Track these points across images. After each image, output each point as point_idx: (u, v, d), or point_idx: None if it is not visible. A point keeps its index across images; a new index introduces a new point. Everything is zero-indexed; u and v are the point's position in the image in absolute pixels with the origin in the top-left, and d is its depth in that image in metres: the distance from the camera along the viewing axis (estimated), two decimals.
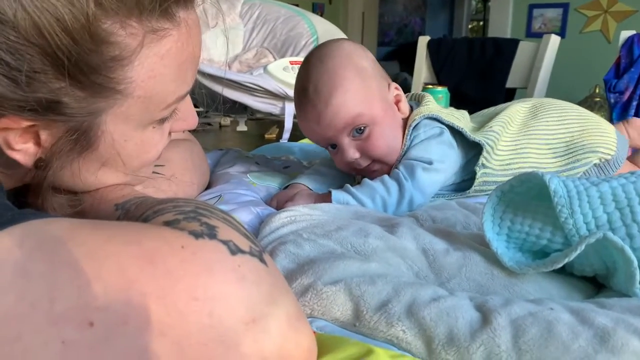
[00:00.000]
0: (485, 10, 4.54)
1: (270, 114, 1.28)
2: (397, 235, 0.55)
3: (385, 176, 0.73)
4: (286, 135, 1.24)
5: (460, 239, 0.55)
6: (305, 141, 1.23)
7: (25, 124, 0.37)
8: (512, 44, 2.01)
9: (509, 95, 2.02)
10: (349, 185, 0.73)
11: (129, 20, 0.37)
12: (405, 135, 0.77)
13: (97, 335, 0.28)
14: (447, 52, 2.17)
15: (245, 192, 0.77)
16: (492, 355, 0.36)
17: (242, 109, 1.40)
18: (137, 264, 0.30)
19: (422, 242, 0.54)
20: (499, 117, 0.81)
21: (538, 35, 1.99)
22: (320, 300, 0.43)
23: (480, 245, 0.53)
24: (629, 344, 0.34)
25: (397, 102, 0.78)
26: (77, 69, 0.36)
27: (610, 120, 1.58)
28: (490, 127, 0.79)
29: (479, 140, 0.76)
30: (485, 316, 0.38)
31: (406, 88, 1.05)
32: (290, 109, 1.20)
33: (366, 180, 0.73)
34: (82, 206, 0.47)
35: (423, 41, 2.24)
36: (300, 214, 0.62)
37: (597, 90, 2.35)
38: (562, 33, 3.11)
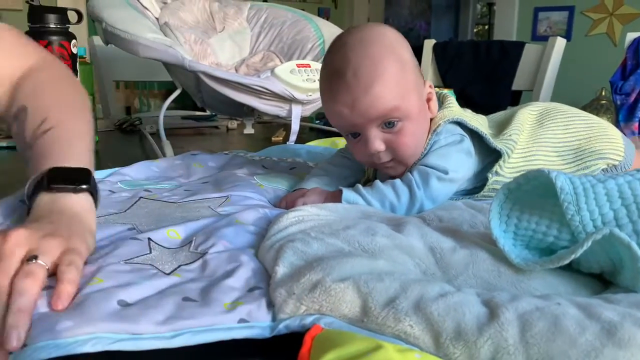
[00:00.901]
0: (491, 14, 4.54)
1: (277, 117, 1.28)
2: (404, 234, 0.56)
3: (398, 181, 0.72)
4: (293, 137, 1.25)
5: (467, 237, 0.55)
6: (312, 143, 1.24)
7: None
8: (518, 46, 2.01)
9: (515, 98, 2.02)
10: (359, 186, 0.73)
11: None
12: (427, 139, 0.75)
13: None
14: (453, 55, 2.17)
15: (253, 195, 0.78)
16: (500, 349, 0.36)
17: (250, 112, 1.41)
18: None
19: (429, 240, 0.55)
20: (513, 124, 0.80)
21: (544, 39, 1.99)
22: (329, 297, 0.44)
23: (487, 243, 0.53)
24: (636, 337, 0.34)
25: (428, 100, 0.76)
26: None
27: (617, 123, 1.58)
28: (510, 135, 0.78)
29: (500, 149, 0.75)
30: (492, 311, 0.39)
31: None
32: (297, 111, 1.21)
33: (378, 183, 0.73)
34: None
35: (429, 44, 2.24)
36: (308, 214, 0.62)
37: (603, 93, 2.34)
38: (567, 36, 3.11)
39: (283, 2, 1.71)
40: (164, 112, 1.26)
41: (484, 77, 2.09)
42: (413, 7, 5.60)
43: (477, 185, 0.79)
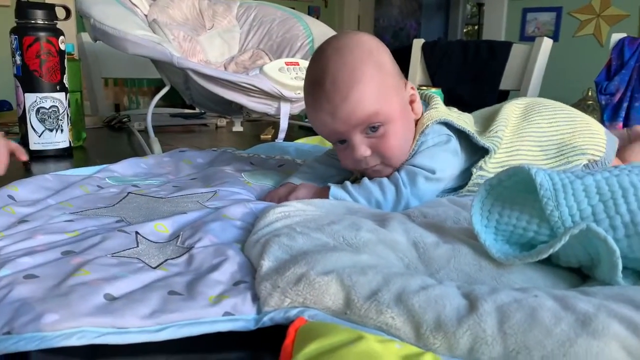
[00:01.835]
0: (480, 14, 4.57)
1: (266, 115, 1.28)
2: (388, 229, 0.57)
3: (385, 179, 0.73)
4: (281, 135, 1.25)
5: (450, 233, 0.56)
6: (301, 141, 1.24)
7: None
8: (506, 46, 2.02)
9: (502, 98, 2.04)
10: (348, 183, 0.73)
11: None
12: (414, 140, 0.76)
13: None
14: (442, 55, 2.18)
15: (240, 191, 0.79)
16: (478, 339, 0.37)
17: (238, 109, 1.41)
18: None
19: (413, 235, 0.56)
20: (498, 120, 0.81)
21: (532, 39, 2.01)
22: (313, 290, 0.44)
23: (469, 238, 0.54)
24: (610, 327, 0.35)
25: (411, 102, 0.77)
26: None
27: (602, 122, 1.60)
28: (495, 131, 0.79)
29: (488, 146, 0.76)
30: (472, 303, 0.40)
31: None
32: (285, 109, 1.21)
33: (365, 180, 0.74)
34: None
35: (418, 44, 2.25)
36: (294, 209, 0.63)
37: (589, 93, 2.37)
38: (555, 37, 3.14)
39: (273, 0, 1.71)
40: (152, 109, 1.26)
41: (472, 77, 2.11)
42: (403, 6, 5.62)
43: (462, 184, 0.80)
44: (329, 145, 0.97)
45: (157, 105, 1.32)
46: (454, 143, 0.76)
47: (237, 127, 1.57)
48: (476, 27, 5.14)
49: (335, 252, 0.49)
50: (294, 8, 1.71)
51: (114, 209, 0.68)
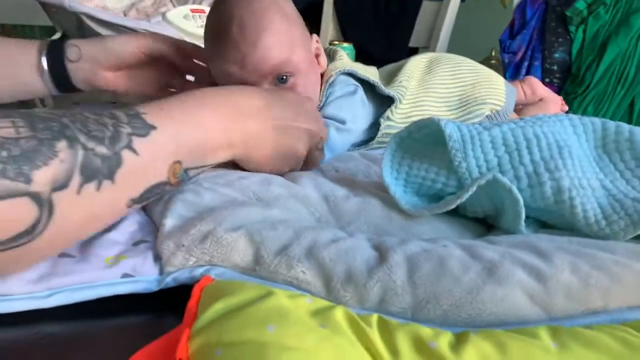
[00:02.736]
0: None
1: None
2: (300, 185, 0.55)
3: None
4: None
5: (361, 186, 0.56)
6: None
7: None
8: (416, 3, 2.04)
9: (412, 54, 2.07)
10: None
11: None
12: (321, 91, 0.75)
13: None
14: (353, 10, 2.17)
15: None
16: (388, 290, 0.36)
17: None
18: None
19: (324, 189, 0.55)
20: (402, 72, 0.83)
21: None
22: (220, 247, 0.42)
23: (380, 191, 0.54)
24: (514, 274, 0.36)
25: (317, 56, 0.76)
26: None
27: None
28: (400, 81, 0.81)
29: (393, 95, 0.77)
30: (382, 254, 0.39)
31: None
32: None
33: None
34: None
35: None
36: None
37: (493, 53, 2.46)
38: None
39: None
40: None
41: (383, 33, 2.11)
42: None
43: (372, 136, 0.80)
44: None
45: None
46: (361, 93, 0.77)
47: None
48: None
49: (245, 207, 0.47)
50: None
51: None
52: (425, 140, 0.51)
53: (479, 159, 0.48)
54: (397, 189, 0.50)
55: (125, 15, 1.34)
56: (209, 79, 0.73)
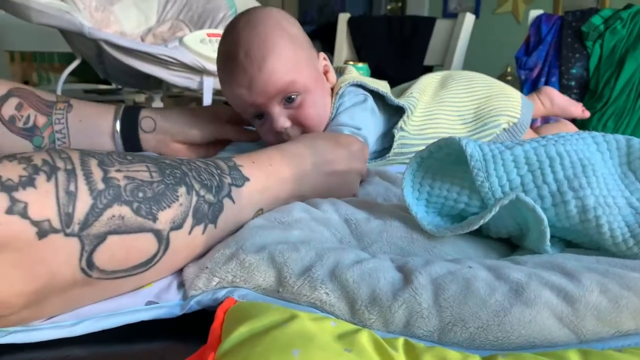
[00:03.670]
0: None
1: (188, 89, 1.23)
2: (320, 209, 0.55)
3: None
4: None
5: (381, 208, 0.56)
6: None
7: None
8: (430, 22, 2.05)
9: (427, 72, 2.07)
10: None
11: None
12: (332, 104, 0.77)
13: None
14: (367, 30, 2.18)
15: None
16: (414, 313, 0.36)
17: (157, 84, 1.34)
18: None
19: (344, 213, 0.54)
20: (414, 86, 0.85)
21: (454, 16, 2.05)
22: (243, 269, 0.42)
23: (401, 212, 0.53)
24: (542, 295, 0.35)
25: (325, 72, 0.78)
26: None
27: None
28: (411, 93, 0.83)
29: (403, 104, 0.79)
30: (406, 276, 0.39)
31: None
32: (209, 83, 1.16)
33: None
34: None
35: (343, 18, 2.24)
36: None
37: (509, 70, 2.46)
38: (476, 13, 3.22)
39: None
40: (61, 84, 1.18)
41: (397, 53, 2.12)
42: None
43: (386, 146, 0.82)
44: None
45: (70, 81, 1.24)
46: (370, 102, 0.79)
47: (157, 103, 1.50)
48: (399, 3, 5.20)
49: (266, 229, 0.47)
50: None
51: None
52: (446, 159, 0.51)
53: (501, 179, 0.47)
54: (418, 210, 0.50)
55: (142, 40, 1.37)
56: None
